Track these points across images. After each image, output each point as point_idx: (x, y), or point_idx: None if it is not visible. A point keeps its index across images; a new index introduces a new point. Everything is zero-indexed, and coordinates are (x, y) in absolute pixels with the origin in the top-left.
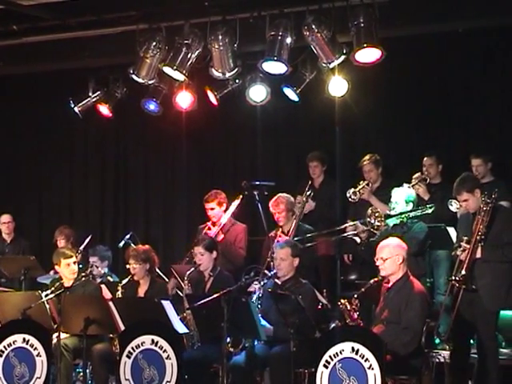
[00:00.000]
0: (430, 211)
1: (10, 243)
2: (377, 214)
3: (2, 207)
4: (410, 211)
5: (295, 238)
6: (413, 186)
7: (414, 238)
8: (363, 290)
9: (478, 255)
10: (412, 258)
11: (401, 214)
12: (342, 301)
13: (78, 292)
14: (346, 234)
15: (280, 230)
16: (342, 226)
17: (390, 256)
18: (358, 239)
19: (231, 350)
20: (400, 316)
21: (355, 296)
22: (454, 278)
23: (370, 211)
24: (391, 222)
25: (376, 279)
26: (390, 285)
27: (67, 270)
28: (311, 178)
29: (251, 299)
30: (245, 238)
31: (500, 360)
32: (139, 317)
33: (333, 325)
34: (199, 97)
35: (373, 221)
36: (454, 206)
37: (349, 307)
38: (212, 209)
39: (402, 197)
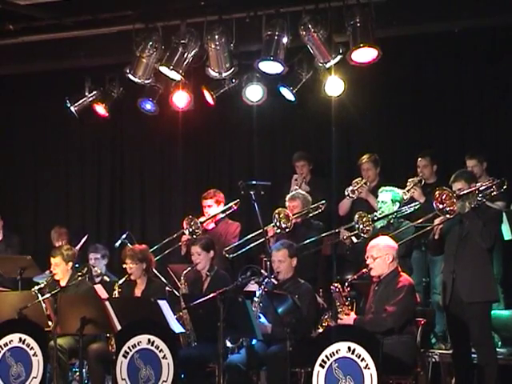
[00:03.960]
0: (415, 209)
1: (0, 242)
2: (364, 219)
3: None
4: (397, 211)
5: (308, 240)
6: (408, 190)
7: (401, 239)
8: (355, 277)
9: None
10: (400, 258)
11: (388, 215)
12: (336, 284)
13: (70, 292)
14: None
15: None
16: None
17: (380, 255)
18: (355, 239)
19: (229, 345)
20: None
21: (346, 284)
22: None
23: (357, 216)
24: (379, 223)
25: (365, 270)
26: (379, 279)
27: (54, 268)
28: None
29: (254, 297)
30: (237, 233)
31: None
32: (135, 316)
33: (326, 316)
34: (196, 96)
35: (361, 226)
36: None
37: (341, 291)
38: (209, 206)
39: (389, 197)
